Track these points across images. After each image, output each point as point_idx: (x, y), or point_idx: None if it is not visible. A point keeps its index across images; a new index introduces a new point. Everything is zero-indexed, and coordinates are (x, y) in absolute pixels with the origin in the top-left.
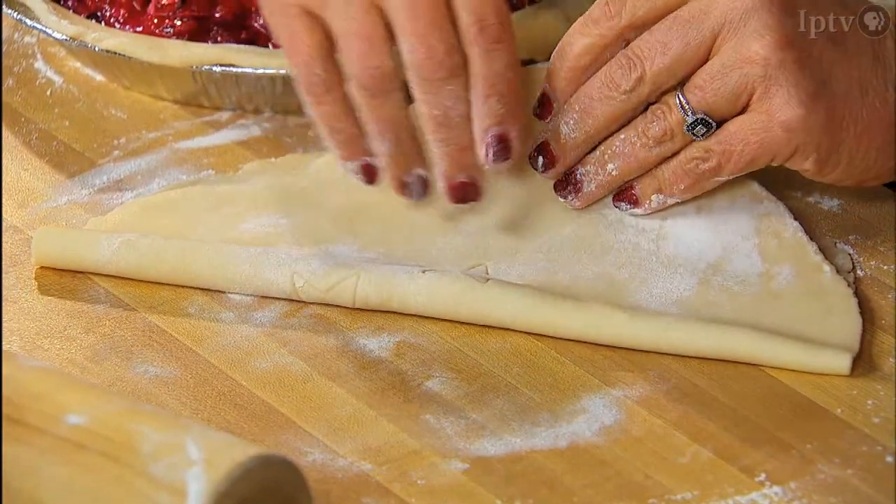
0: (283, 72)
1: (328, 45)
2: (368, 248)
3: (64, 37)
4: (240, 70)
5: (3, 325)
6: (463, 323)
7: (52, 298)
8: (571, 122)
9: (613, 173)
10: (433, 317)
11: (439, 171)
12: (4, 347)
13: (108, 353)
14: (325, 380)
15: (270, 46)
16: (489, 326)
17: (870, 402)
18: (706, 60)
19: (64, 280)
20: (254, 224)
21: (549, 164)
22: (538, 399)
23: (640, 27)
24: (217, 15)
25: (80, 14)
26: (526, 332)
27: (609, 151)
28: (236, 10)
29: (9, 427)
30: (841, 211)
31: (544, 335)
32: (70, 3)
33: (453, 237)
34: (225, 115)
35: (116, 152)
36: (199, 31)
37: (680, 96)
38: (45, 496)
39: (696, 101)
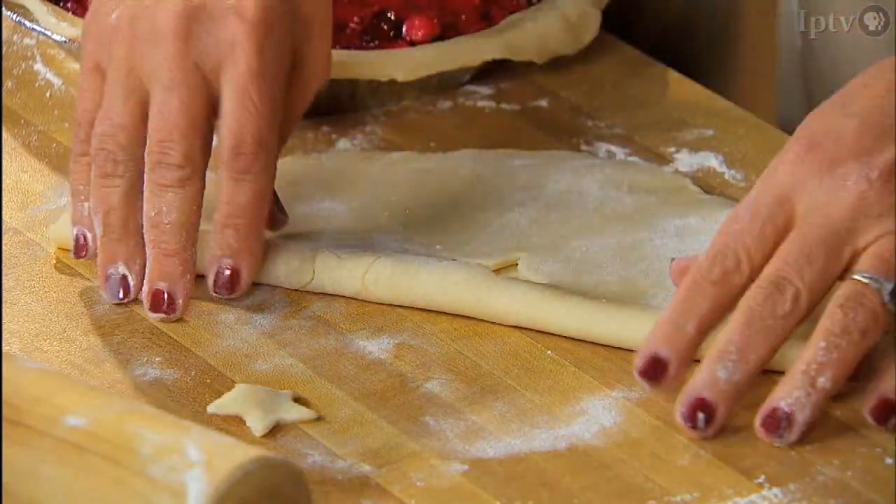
0: None
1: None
2: (412, 240)
3: (63, 39)
4: None
5: (3, 326)
6: (465, 318)
7: (51, 300)
8: (730, 365)
9: (827, 386)
10: (436, 309)
11: (146, 273)
12: (4, 349)
13: (108, 355)
14: (325, 381)
15: None
16: (491, 323)
17: None
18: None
19: (63, 281)
20: (312, 208)
21: (711, 416)
22: (537, 401)
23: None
24: None
25: (79, 16)
26: (526, 332)
27: (814, 366)
28: None
29: (8, 429)
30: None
31: (544, 332)
32: (69, 5)
33: (499, 231)
34: None
35: None
36: None
37: (863, 274)
38: (44, 498)
39: (884, 268)
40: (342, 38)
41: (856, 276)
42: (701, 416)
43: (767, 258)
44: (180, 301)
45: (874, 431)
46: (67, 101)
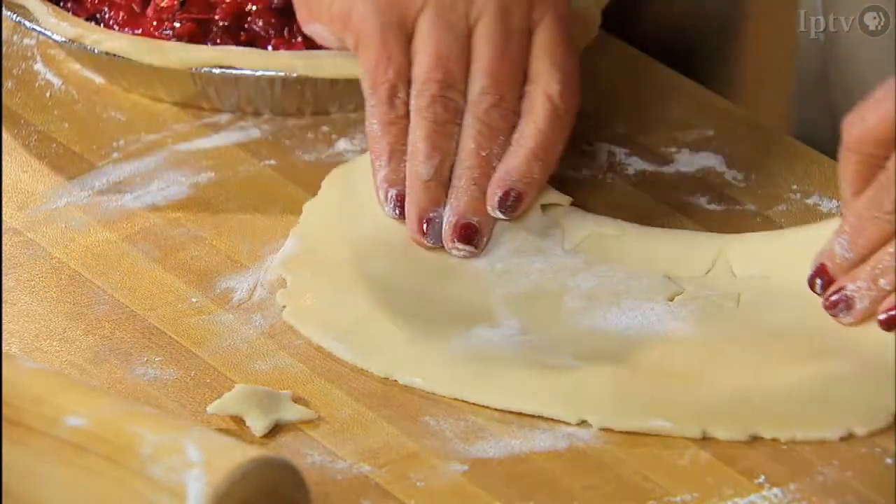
0: (282, 74)
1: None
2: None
3: (63, 39)
4: (239, 72)
5: (3, 326)
6: None
7: (51, 300)
8: (845, 242)
9: (887, 287)
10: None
11: (453, 207)
12: (4, 349)
13: (108, 355)
14: (325, 382)
15: (270, 48)
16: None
17: None
18: None
19: (63, 282)
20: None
21: (827, 283)
22: None
23: None
24: (216, 17)
25: (79, 16)
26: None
27: (880, 267)
28: (235, 11)
29: (8, 429)
30: (840, 212)
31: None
32: (69, 6)
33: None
34: (224, 118)
35: (116, 154)
36: (198, 33)
37: None
38: (44, 498)
39: None
40: None
41: None
42: (818, 280)
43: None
44: (485, 238)
45: (875, 433)
46: (67, 100)
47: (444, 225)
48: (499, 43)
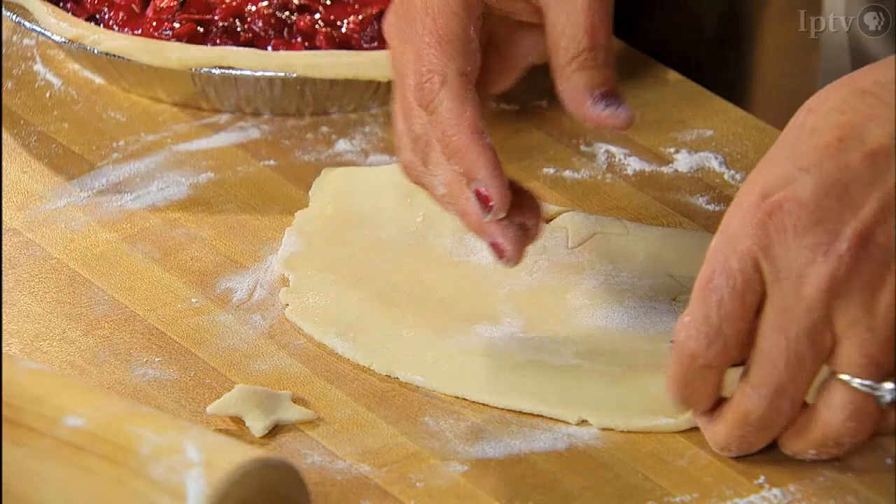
0: (281, 74)
1: None
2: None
3: (63, 39)
4: (239, 72)
5: (3, 327)
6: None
7: (50, 301)
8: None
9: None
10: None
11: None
12: (3, 350)
13: (107, 356)
14: (325, 382)
15: (269, 49)
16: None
17: None
18: None
19: (63, 282)
20: None
21: None
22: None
23: None
24: (216, 17)
25: (78, 17)
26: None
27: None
28: (235, 12)
29: (8, 429)
30: None
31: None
32: (69, 6)
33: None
34: (224, 118)
35: (115, 155)
36: (198, 34)
37: (860, 382)
38: (44, 498)
39: (876, 371)
40: (341, 38)
41: (846, 379)
42: None
43: (751, 326)
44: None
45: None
46: (67, 101)
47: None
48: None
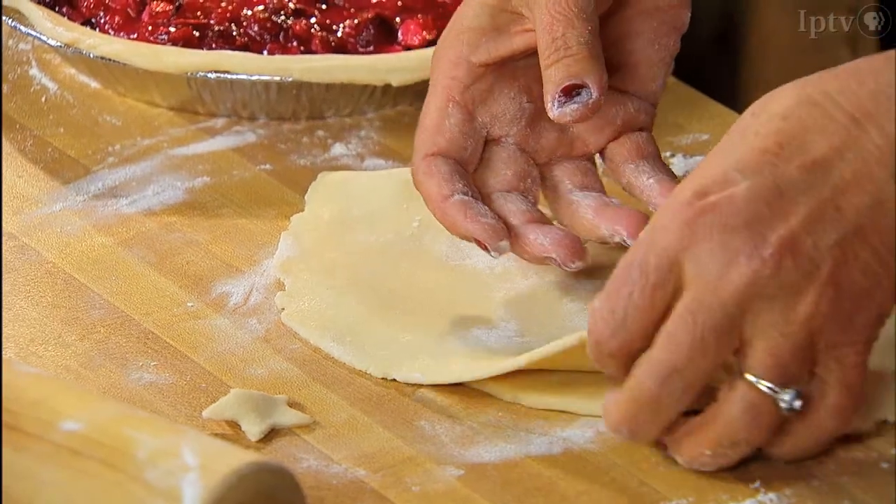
0: (277, 78)
1: None
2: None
3: (59, 44)
4: (234, 76)
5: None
6: None
7: (46, 305)
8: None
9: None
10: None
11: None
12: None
13: (103, 360)
14: (320, 386)
15: (265, 53)
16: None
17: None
18: None
19: (58, 286)
20: None
21: None
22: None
23: None
24: (211, 22)
25: (74, 21)
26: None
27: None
28: (230, 17)
29: (5, 433)
30: None
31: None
32: (65, 10)
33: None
34: (220, 122)
35: (111, 159)
36: (193, 38)
37: (762, 383)
38: (41, 502)
39: (781, 375)
40: (337, 42)
41: (751, 379)
42: None
43: (658, 323)
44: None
45: (871, 436)
46: (63, 105)
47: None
48: None
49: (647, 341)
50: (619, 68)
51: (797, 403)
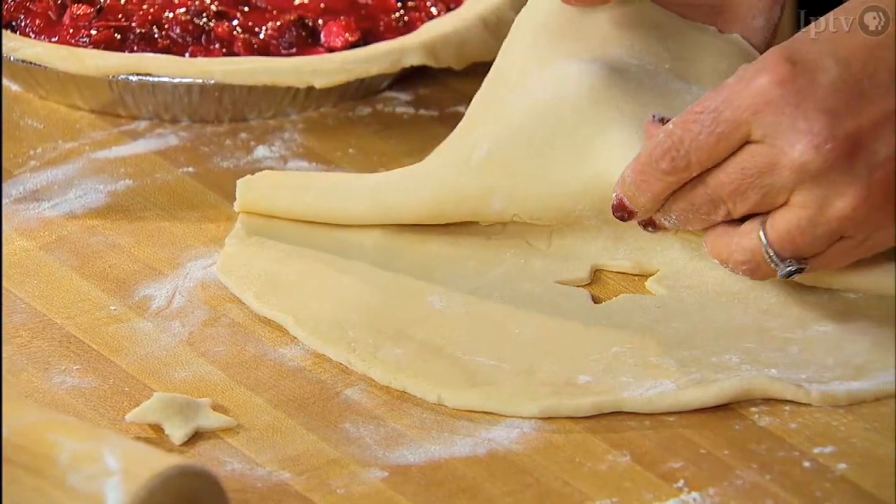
0: (199, 81)
1: None
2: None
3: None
4: (156, 79)
5: None
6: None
7: None
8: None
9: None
10: None
11: None
12: None
13: (25, 364)
14: (244, 389)
15: (187, 55)
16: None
17: (787, 407)
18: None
19: None
20: None
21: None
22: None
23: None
24: (133, 24)
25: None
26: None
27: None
28: (152, 19)
29: None
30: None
31: None
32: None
33: None
34: (142, 125)
35: (33, 162)
36: (115, 41)
37: (768, 248)
38: None
39: (789, 249)
40: (260, 44)
41: (762, 238)
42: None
43: (715, 164)
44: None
45: (793, 436)
46: None
47: None
48: None
49: (699, 173)
50: (720, 11)
51: (793, 269)
